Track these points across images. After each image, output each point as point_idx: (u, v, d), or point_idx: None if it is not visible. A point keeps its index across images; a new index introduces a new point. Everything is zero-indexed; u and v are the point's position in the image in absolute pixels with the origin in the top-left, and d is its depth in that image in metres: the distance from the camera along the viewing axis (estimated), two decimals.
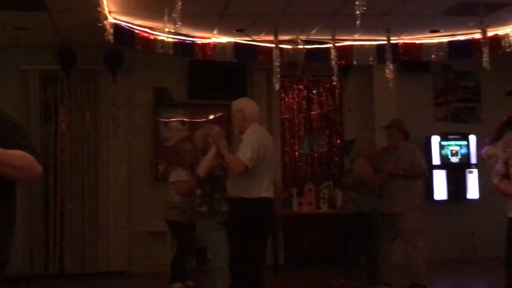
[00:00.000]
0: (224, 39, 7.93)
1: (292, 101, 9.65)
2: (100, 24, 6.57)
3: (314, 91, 9.70)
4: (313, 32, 7.79)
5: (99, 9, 6.32)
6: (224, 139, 5.27)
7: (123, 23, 7.12)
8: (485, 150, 4.27)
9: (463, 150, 9.42)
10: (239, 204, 5.07)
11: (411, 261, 6.85)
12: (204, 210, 5.40)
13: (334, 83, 7.73)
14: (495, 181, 4.08)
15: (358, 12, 5.63)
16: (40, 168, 2.70)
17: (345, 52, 8.07)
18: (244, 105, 5.32)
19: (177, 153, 7.37)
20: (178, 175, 7.02)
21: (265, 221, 5.11)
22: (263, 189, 5.05)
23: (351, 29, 7.27)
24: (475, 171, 9.31)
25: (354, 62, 8.30)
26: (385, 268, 6.88)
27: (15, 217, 2.73)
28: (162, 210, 7.32)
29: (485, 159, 4.21)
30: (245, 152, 5.00)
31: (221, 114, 9.20)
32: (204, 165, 5.30)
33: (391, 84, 7.71)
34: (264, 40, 7.91)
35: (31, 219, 8.58)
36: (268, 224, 5.23)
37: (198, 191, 5.55)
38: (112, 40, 6.90)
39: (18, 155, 2.56)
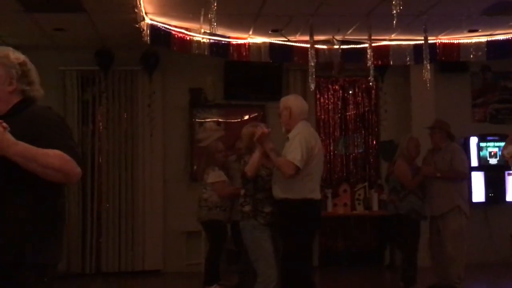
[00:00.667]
0: (259, 39, 7.95)
1: (327, 101, 9.60)
2: (137, 25, 6.65)
3: (350, 92, 9.64)
4: (349, 32, 7.74)
5: (136, 10, 6.39)
6: (270, 140, 5.09)
7: (159, 24, 7.19)
8: (503, 149, 4.22)
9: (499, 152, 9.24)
10: (285, 206, 4.97)
11: (446, 263, 6.73)
12: (247, 210, 5.30)
13: (370, 83, 7.66)
14: None
15: (394, 11, 5.58)
16: (78, 170, 2.64)
17: (381, 52, 8.01)
18: (291, 102, 5.17)
19: (209, 153, 7.28)
20: (218, 175, 6.94)
21: (310, 223, 5.00)
22: (308, 191, 4.95)
23: (387, 28, 7.21)
24: None
25: (391, 62, 8.24)
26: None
27: (59, 216, 2.73)
28: (196, 210, 7.18)
29: (506, 158, 4.16)
30: (295, 154, 4.87)
31: (256, 114, 9.20)
32: (251, 165, 5.16)
33: (428, 85, 7.61)
34: (299, 40, 7.90)
35: (68, 217, 8.69)
36: (313, 226, 5.11)
37: (242, 191, 5.49)
38: (148, 41, 6.98)
39: (52, 155, 2.52)
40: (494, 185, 9.16)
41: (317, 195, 5.01)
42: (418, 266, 6.89)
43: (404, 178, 6.85)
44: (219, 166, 7.03)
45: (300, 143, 4.91)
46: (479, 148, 9.24)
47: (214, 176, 6.94)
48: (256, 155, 5.12)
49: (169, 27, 7.32)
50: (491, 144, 9.26)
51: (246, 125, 5.97)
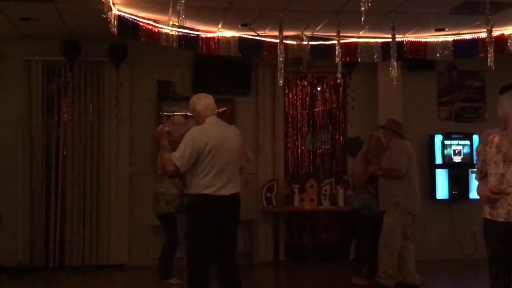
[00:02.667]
0: (228, 33, 7.92)
1: (296, 97, 9.62)
2: (104, 16, 6.57)
3: (318, 88, 9.68)
4: (318, 28, 7.77)
5: (103, 0, 6.31)
6: (166, 138, 5.12)
7: (127, 15, 7.11)
8: (476, 147, 4.32)
9: (466, 150, 9.39)
10: (187, 201, 5.06)
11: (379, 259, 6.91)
12: (177, 204, 5.50)
13: (338, 80, 7.69)
14: (475, 179, 4.24)
15: (363, 9, 5.60)
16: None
17: (350, 49, 8.05)
18: (194, 101, 5.14)
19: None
20: None
21: (202, 218, 4.91)
22: (203, 187, 4.87)
23: (356, 26, 7.25)
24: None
25: (359, 59, 8.28)
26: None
27: None
28: (152, 204, 7.21)
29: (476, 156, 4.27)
30: (177, 151, 4.91)
31: (224, 108, 9.19)
32: (158, 162, 5.33)
33: (395, 82, 7.70)
34: (269, 35, 7.89)
35: (32, 211, 8.58)
36: (207, 222, 4.90)
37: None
38: (116, 32, 6.90)
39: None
40: (458, 182, 9.30)
41: (215, 192, 4.87)
42: (367, 260, 7.10)
43: (353, 175, 7.30)
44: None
45: (185, 141, 4.92)
46: (444, 146, 9.36)
47: None
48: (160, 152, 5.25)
49: (137, 19, 7.24)
50: (456, 142, 9.40)
51: None
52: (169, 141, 5.13)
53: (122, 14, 7.02)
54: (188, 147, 4.87)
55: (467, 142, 9.40)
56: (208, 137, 4.90)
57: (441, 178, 9.29)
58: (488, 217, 4.06)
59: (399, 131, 7.09)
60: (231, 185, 4.98)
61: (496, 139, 4.09)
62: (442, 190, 9.30)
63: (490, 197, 4.01)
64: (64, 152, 8.77)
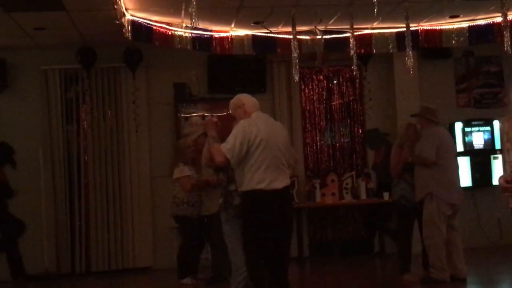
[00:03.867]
0: (241, 32, 7.92)
1: (312, 92, 9.60)
2: (117, 22, 6.61)
3: (334, 81, 9.64)
4: (331, 22, 7.74)
5: (116, 6, 6.35)
6: (215, 129, 5.09)
7: (140, 20, 7.15)
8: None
9: (487, 136, 9.29)
10: (242, 198, 5.00)
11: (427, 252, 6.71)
12: (220, 203, 5.38)
13: (354, 72, 7.67)
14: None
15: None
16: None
17: (364, 40, 8.02)
18: (243, 98, 5.12)
19: (178, 149, 7.49)
20: (181, 171, 7.14)
21: (260, 214, 4.83)
22: (256, 182, 4.80)
23: (369, 17, 7.22)
24: (500, 156, 9.18)
25: (374, 51, 8.24)
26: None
27: None
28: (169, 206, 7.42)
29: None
30: (227, 143, 4.85)
31: None
32: (203, 155, 5.26)
33: (411, 72, 7.64)
34: (282, 32, 7.89)
35: (57, 218, 8.66)
36: (265, 217, 4.82)
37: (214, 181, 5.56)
38: (130, 37, 6.94)
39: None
40: (480, 169, 9.22)
41: (268, 186, 4.80)
42: (412, 254, 6.88)
43: (390, 165, 7.03)
44: (188, 162, 7.18)
45: (235, 133, 4.85)
46: (464, 133, 9.28)
47: (177, 172, 7.16)
48: (206, 144, 5.19)
49: (150, 23, 7.28)
50: (476, 129, 9.31)
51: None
52: (217, 132, 5.09)
53: (135, 19, 7.06)
54: (239, 138, 4.81)
55: (488, 128, 9.31)
56: (258, 130, 4.85)
57: (463, 165, 9.20)
58: (511, 205, 3.97)
59: (433, 118, 6.79)
60: (283, 177, 4.90)
61: (507, 125, 3.99)
62: (464, 178, 9.21)
63: (502, 186, 3.93)
64: (85, 159, 8.84)
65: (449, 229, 6.68)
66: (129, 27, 6.87)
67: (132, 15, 6.99)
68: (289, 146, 5.17)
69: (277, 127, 5.11)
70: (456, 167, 6.83)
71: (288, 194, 5.03)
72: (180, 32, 7.41)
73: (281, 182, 4.88)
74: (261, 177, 4.80)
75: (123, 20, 6.70)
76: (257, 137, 4.81)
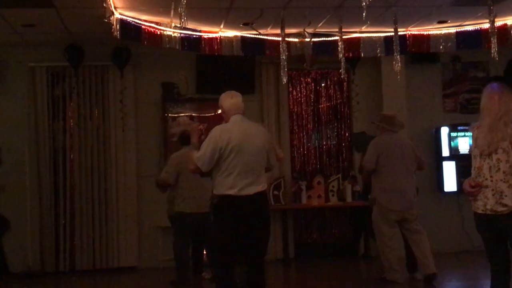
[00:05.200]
0: (230, 33, 7.92)
1: (300, 94, 9.63)
2: (106, 20, 6.59)
3: (322, 84, 9.68)
4: (319, 24, 7.76)
5: (105, 5, 6.34)
6: (197, 136, 5.22)
7: (129, 19, 7.12)
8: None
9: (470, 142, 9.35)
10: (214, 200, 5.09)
11: None
12: (208, 204, 5.46)
13: (342, 75, 7.70)
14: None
15: (364, 3, 5.60)
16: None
17: (352, 44, 8.04)
18: (221, 99, 5.15)
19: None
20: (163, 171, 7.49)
21: (227, 219, 4.88)
22: (226, 187, 4.84)
23: (358, 21, 7.24)
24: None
25: (362, 54, 8.26)
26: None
27: None
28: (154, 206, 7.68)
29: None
30: (199, 151, 4.97)
31: None
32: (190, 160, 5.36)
33: (399, 76, 7.70)
34: (271, 34, 7.89)
35: (41, 216, 8.62)
36: (232, 222, 4.87)
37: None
38: (118, 36, 6.92)
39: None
40: (466, 174, 9.23)
41: (238, 192, 4.84)
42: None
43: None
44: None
45: (207, 141, 4.94)
46: (450, 138, 9.34)
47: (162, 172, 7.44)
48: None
49: (139, 22, 7.25)
50: (462, 134, 9.38)
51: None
52: (198, 140, 5.15)
53: (124, 17, 7.04)
54: (210, 147, 4.87)
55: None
56: (230, 137, 4.87)
57: (449, 170, 9.26)
58: (473, 209, 4.16)
59: (387, 126, 6.99)
60: (256, 184, 4.91)
61: (475, 132, 4.16)
62: (450, 183, 9.28)
63: (467, 191, 4.10)
64: (71, 157, 8.81)
65: (410, 233, 6.87)
66: (118, 25, 6.84)
67: (121, 14, 6.97)
68: (269, 148, 5.11)
69: (253, 132, 5.05)
70: (404, 174, 6.85)
71: (261, 200, 4.97)
72: (169, 31, 7.40)
73: (254, 188, 4.90)
74: (232, 183, 4.85)
75: (111, 18, 6.67)
76: (229, 144, 4.85)
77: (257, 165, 4.95)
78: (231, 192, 4.84)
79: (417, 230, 6.91)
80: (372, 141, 7.09)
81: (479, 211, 4.08)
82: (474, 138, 4.18)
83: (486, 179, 4.03)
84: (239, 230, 4.86)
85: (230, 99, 5.10)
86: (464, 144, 9.36)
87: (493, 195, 3.99)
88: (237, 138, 4.88)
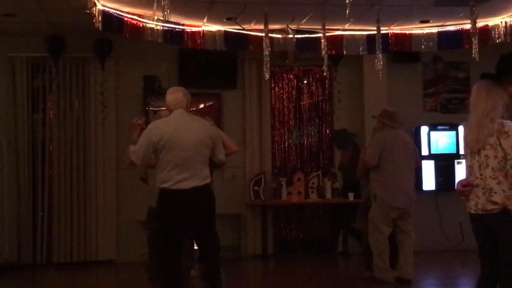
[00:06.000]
0: (214, 27, 7.90)
1: (282, 90, 9.63)
2: (88, 11, 6.53)
3: (304, 81, 9.70)
4: (303, 21, 7.77)
5: None
6: (137, 131, 5.22)
7: (111, 10, 7.06)
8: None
9: (452, 141, 9.44)
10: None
11: None
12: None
13: (324, 73, 7.71)
14: None
15: (348, 1, 5.61)
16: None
17: (335, 41, 8.06)
18: (167, 94, 5.25)
19: None
20: None
21: (162, 212, 5.02)
22: (161, 181, 4.95)
23: (341, 18, 7.25)
24: (464, 161, 9.31)
25: (344, 52, 8.28)
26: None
27: None
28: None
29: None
30: (137, 145, 5.07)
31: (211, 103, 9.19)
32: None
33: (380, 74, 7.74)
34: (254, 29, 7.88)
35: (19, 208, 8.54)
36: (166, 215, 4.98)
37: None
38: (100, 28, 6.86)
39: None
40: (444, 173, 9.36)
41: (172, 186, 4.92)
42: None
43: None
44: None
45: (142, 136, 5.06)
46: (429, 137, 9.41)
47: None
48: None
49: (122, 14, 7.19)
50: (441, 133, 9.45)
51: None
52: (139, 135, 5.17)
53: (106, 9, 6.97)
54: (144, 141, 4.99)
55: (453, 132, 9.46)
56: (163, 132, 4.96)
57: (427, 169, 9.33)
58: (467, 210, 4.09)
59: (387, 122, 6.87)
60: (194, 178, 4.95)
61: (465, 130, 4.14)
62: (428, 182, 9.35)
63: (459, 190, 4.05)
64: (50, 149, 8.74)
65: (399, 231, 6.76)
66: (100, 17, 6.78)
67: (103, 5, 6.90)
68: (214, 142, 5.12)
69: (191, 126, 5.07)
70: (406, 171, 6.78)
71: (200, 194, 4.99)
72: (151, 24, 7.35)
73: (190, 182, 4.95)
74: (166, 177, 4.94)
75: (93, 9, 6.62)
76: (162, 139, 4.93)
77: (193, 160, 4.97)
78: (165, 185, 4.95)
79: (408, 230, 6.77)
80: (375, 136, 6.96)
81: (472, 211, 3.97)
82: (464, 136, 4.13)
83: (477, 177, 3.93)
84: (175, 223, 4.96)
85: (171, 94, 5.22)
86: (443, 143, 9.44)
87: (483, 193, 3.88)
88: (170, 133, 4.97)
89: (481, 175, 3.91)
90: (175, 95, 5.19)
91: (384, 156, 6.70)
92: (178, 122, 5.06)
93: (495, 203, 3.83)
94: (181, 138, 4.96)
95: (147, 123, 5.38)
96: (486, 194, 3.87)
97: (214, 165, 5.29)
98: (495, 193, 3.83)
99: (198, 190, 4.97)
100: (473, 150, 3.98)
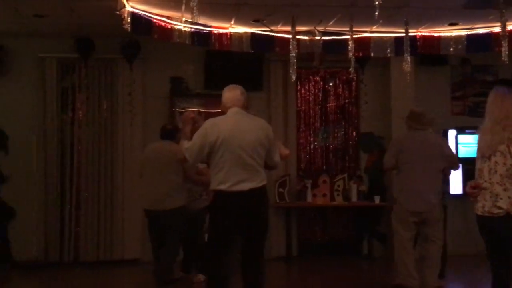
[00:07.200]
0: (241, 29, 7.93)
1: (308, 92, 9.62)
2: (117, 13, 6.60)
3: (331, 83, 9.67)
4: (330, 23, 7.75)
5: None
6: (189, 125, 5.01)
7: (140, 12, 7.12)
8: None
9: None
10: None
11: None
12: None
13: (350, 75, 7.69)
14: None
15: (376, 3, 5.59)
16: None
17: (362, 43, 8.03)
18: (223, 92, 5.07)
19: None
20: None
21: (219, 214, 4.77)
22: (217, 182, 4.72)
23: (369, 20, 7.23)
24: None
25: (372, 54, 8.26)
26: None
27: None
28: None
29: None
30: (190, 142, 4.84)
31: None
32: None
33: (408, 77, 7.67)
34: (281, 31, 7.89)
35: (47, 206, 8.65)
36: (223, 217, 4.74)
37: None
38: (129, 29, 6.92)
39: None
40: (472, 177, 9.22)
41: (230, 187, 4.69)
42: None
43: None
44: None
45: (198, 133, 4.82)
46: (457, 141, 9.32)
47: None
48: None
49: (150, 15, 7.26)
50: (469, 137, 9.34)
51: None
52: (192, 129, 5.00)
53: (135, 11, 7.04)
54: (199, 139, 4.77)
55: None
56: (220, 131, 4.74)
57: (455, 173, 9.22)
58: (475, 211, 4.21)
59: (412, 123, 6.65)
60: (251, 180, 4.74)
61: (479, 135, 4.24)
62: (456, 186, 9.25)
63: (467, 191, 4.15)
64: (79, 148, 8.85)
65: (423, 237, 6.46)
66: (129, 18, 6.84)
67: (132, 7, 6.97)
68: (270, 144, 4.92)
69: (249, 126, 4.86)
70: (425, 174, 6.44)
71: (256, 196, 4.77)
72: (179, 26, 7.40)
73: (248, 184, 4.73)
74: (223, 178, 4.72)
75: (123, 11, 6.69)
76: (218, 138, 4.72)
77: (251, 161, 4.77)
78: (222, 187, 4.72)
79: (433, 236, 6.44)
80: (393, 138, 6.95)
81: (479, 213, 4.15)
82: (478, 140, 4.24)
83: (485, 181, 4.10)
84: (232, 227, 4.75)
85: (227, 92, 5.03)
86: (470, 147, 9.34)
87: (490, 197, 4.06)
88: (228, 133, 4.75)
89: (490, 179, 4.08)
90: (232, 92, 5.01)
91: (401, 158, 6.50)
92: (235, 121, 4.84)
93: (500, 208, 4.03)
94: (239, 138, 4.75)
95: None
96: (492, 198, 4.05)
97: (266, 167, 5.01)
98: (501, 198, 4.02)
99: (255, 191, 4.76)
100: (484, 155, 4.15)
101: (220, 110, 8.95)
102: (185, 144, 4.84)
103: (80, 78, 8.87)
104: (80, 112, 8.89)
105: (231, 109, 4.94)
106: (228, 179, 4.71)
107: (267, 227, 4.93)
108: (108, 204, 8.83)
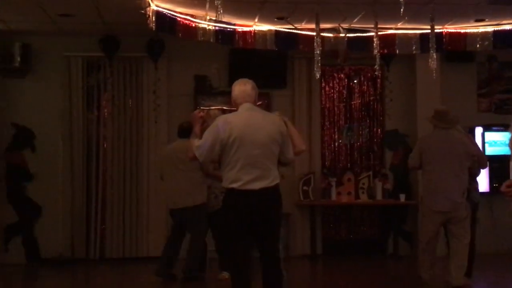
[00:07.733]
0: (265, 27, 7.93)
1: (332, 90, 9.58)
2: (142, 11, 6.64)
3: (355, 80, 9.62)
4: (355, 20, 7.72)
5: None
6: (199, 124, 4.88)
7: (165, 11, 7.17)
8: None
9: (507, 142, 9.20)
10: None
11: None
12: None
13: (375, 72, 7.64)
14: None
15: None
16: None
17: (387, 40, 7.99)
18: (233, 86, 4.92)
19: None
20: None
21: (232, 213, 4.61)
22: (230, 181, 4.56)
23: (394, 17, 7.19)
24: None
25: (397, 51, 8.22)
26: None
27: None
28: None
29: None
30: (200, 140, 4.69)
31: (260, 102, 9.17)
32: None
33: (434, 74, 7.60)
34: (305, 28, 7.88)
35: (73, 203, 8.74)
36: (238, 217, 4.58)
37: None
38: (154, 28, 6.97)
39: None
40: (499, 175, 9.13)
41: (242, 186, 4.54)
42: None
43: None
44: None
45: (209, 130, 4.68)
46: (484, 138, 9.21)
47: None
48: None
49: (175, 14, 7.30)
50: (496, 134, 9.23)
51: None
52: (201, 128, 4.88)
53: (160, 9, 7.09)
54: (210, 137, 4.61)
55: (508, 133, 9.22)
56: (232, 128, 4.58)
57: (482, 171, 9.11)
58: (510, 208, 4.12)
59: (436, 122, 6.59)
60: (263, 178, 4.58)
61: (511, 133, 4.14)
62: (482, 183, 9.14)
63: (503, 190, 4.01)
64: (104, 146, 8.93)
65: (450, 236, 6.50)
66: (154, 17, 6.89)
67: (157, 6, 7.01)
68: (283, 140, 4.76)
69: (261, 123, 4.69)
70: (449, 173, 6.37)
71: (269, 195, 4.62)
72: (203, 24, 7.43)
73: (260, 183, 4.57)
74: (235, 177, 4.57)
75: (148, 10, 6.73)
76: (231, 136, 4.56)
77: (264, 159, 4.59)
78: (235, 185, 4.57)
79: (459, 235, 6.44)
80: (419, 138, 6.92)
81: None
82: (510, 139, 4.13)
83: None
84: (243, 226, 4.63)
85: (238, 87, 4.88)
86: (497, 144, 9.22)
87: None
88: (240, 130, 4.57)
89: None
90: (242, 87, 4.85)
91: (424, 157, 6.49)
92: (248, 118, 4.67)
93: None
94: (252, 135, 4.57)
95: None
96: None
97: (280, 163, 4.89)
98: None
99: (268, 190, 4.61)
100: None
101: None
102: (196, 142, 4.71)
103: (105, 77, 8.95)
104: (105, 110, 8.97)
105: (242, 105, 4.78)
106: (240, 178, 4.57)
107: (278, 227, 4.81)
108: (133, 201, 8.89)
